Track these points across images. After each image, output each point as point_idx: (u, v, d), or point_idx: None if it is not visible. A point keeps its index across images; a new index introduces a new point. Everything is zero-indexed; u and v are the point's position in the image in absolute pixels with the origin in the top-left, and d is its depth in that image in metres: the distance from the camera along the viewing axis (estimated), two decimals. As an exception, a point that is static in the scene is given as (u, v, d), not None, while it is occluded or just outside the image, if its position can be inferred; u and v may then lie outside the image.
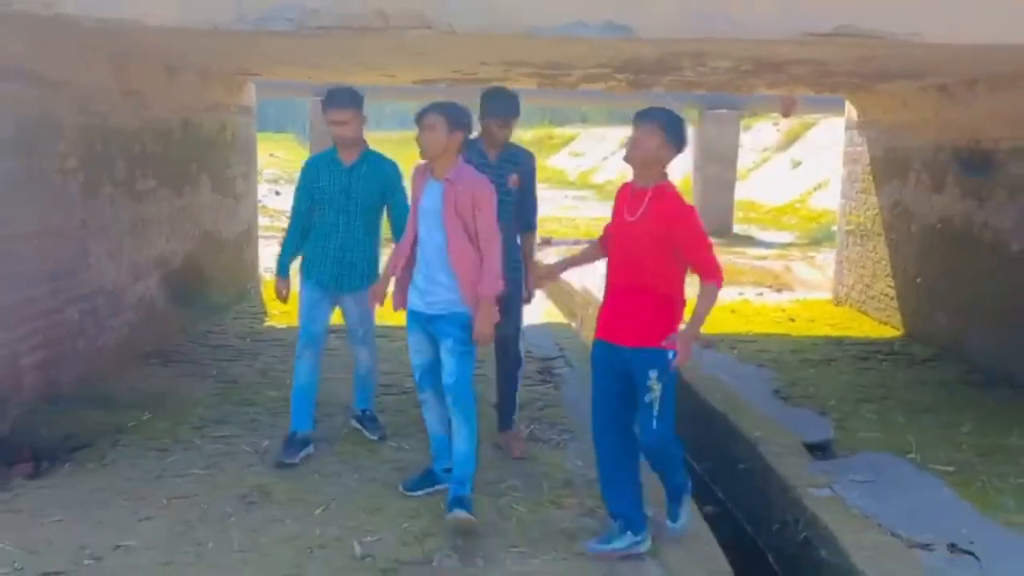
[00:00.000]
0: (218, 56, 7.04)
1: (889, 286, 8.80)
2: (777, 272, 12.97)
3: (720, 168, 17.99)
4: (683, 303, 3.73)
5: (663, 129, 3.63)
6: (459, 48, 5.73)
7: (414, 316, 4.10)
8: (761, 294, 10.98)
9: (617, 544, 3.69)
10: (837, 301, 10.12)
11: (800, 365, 7.21)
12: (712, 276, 3.65)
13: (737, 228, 18.78)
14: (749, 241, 17.19)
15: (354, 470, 4.63)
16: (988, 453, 5.12)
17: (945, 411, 5.95)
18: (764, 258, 14.71)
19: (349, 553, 3.71)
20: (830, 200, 20.30)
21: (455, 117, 3.92)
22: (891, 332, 8.53)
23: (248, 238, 9.79)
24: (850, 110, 9.86)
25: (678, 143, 3.67)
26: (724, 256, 14.47)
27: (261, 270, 10.22)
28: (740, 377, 6.81)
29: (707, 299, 3.64)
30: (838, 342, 8.13)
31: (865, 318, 9.21)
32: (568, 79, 8.08)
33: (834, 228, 16.77)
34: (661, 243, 3.59)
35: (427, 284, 3.99)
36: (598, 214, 19.42)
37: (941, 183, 7.86)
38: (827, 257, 14.20)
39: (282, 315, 8.12)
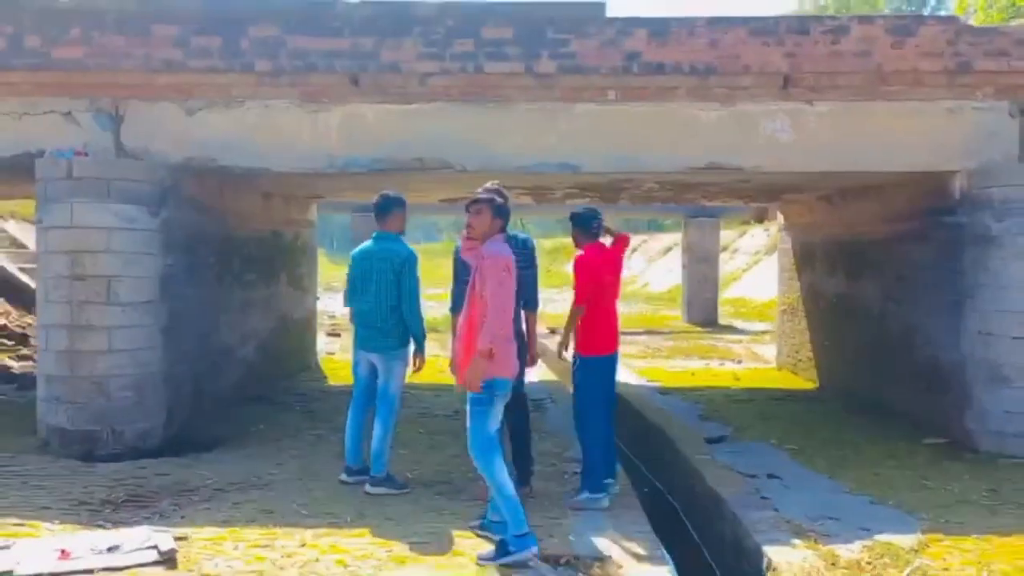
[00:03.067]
0: (300, 186, 9.94)
1: (809, 350, 11.34)
2: (742, 351, 15.48)
3: (705, 267, 20.74)
4: None
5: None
6: (469, 179, 8.55)
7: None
8: (722, 364, 13.50)
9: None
10: (779, 367, 12.62)
11: (725, 402, 9.72)
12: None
13: (725, 320, 21.37)
14: (730, 329, 19.75)
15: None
16: (825, 442, 7.59)
17: (814, 425, 8.42)
18: (739, 341, 17.24)
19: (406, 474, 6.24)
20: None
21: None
22: (810, 385, 11.01)
23: (309, 322, 12.54)
24: (780, 216, 12.62)
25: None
26: (703, 340, 17.28)
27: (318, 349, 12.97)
28: (677, 408, 9.33)
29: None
30: (765, 391, 10.63)
31: (795, 377, 11.71)
32: (554, 196, 10.93)
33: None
34: None
35: None
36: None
37: (833, 268, 10.50)
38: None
39: (336, 379, 10.77)
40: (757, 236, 30.88)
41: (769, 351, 15.93)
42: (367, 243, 6.19)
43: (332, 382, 10.98)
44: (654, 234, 40.18)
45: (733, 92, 7.45)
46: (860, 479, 6.29)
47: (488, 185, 5.81)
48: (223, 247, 8.86)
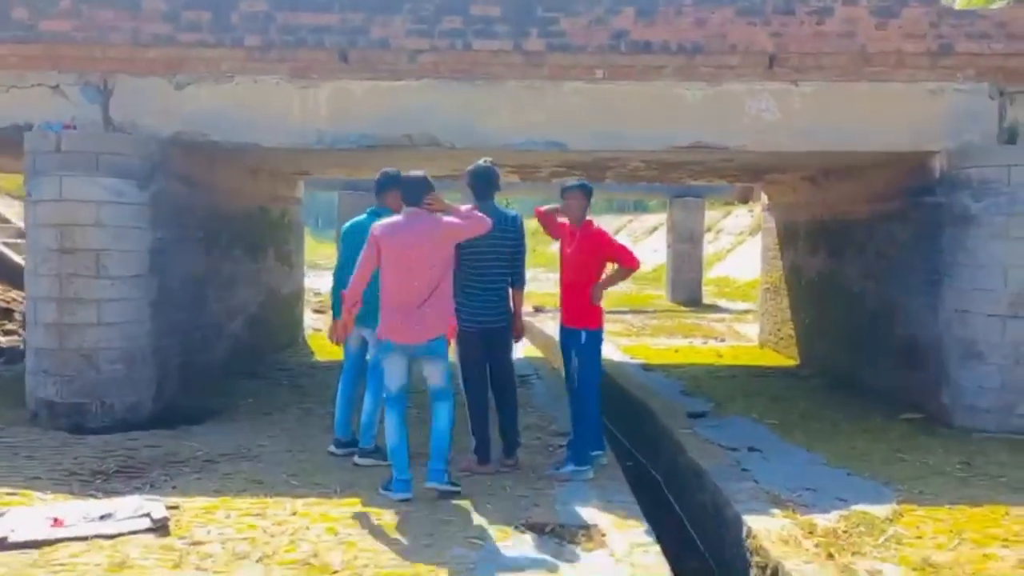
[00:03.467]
0: (288, 162, 9.96)
1: (790, 329, 11.50)
2: (725, 329, 15.65)
3: (689, 247, 20.88)
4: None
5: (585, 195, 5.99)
6: (457, 157, 8.60)
7: None
8: (706, 342, 13.65)
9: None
10: (761, 344, 12.79)
11: (708, 379, 9.87)
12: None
13: (709, 300, 21.55)
14: (713, 309, 19.93)
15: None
16: (805, 416, 7.75)
17: (795, 400, 8.58)
18: (722, 320, 17.41)
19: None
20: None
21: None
22: (791, 362, 11.18)
23: (296, 298, 12.58)
24: (764, 196, 12.74)
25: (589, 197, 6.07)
26: (687, 319, 17.45)
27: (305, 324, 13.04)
28: (660, 384, 9.47)
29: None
30: (746, 368, 10.79)
31: (777, 355, 11.87)
32: (540, 174, 11.00)
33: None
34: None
35: None
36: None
37: (816, 247, 10.63)
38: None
39: (323, 355, 10.85)
40: (741, 217, 31.09)
41: (751, 330, 16.10)
42: (360, 217, 6.17)
43: (319, 357, 11.06)
44: (639, 215, 40.29)
45: (719, 71, 7.54)
46: (837, 452, 6.44)
47: (481, 162, 5.91)
48: (212, 222, 8.89)
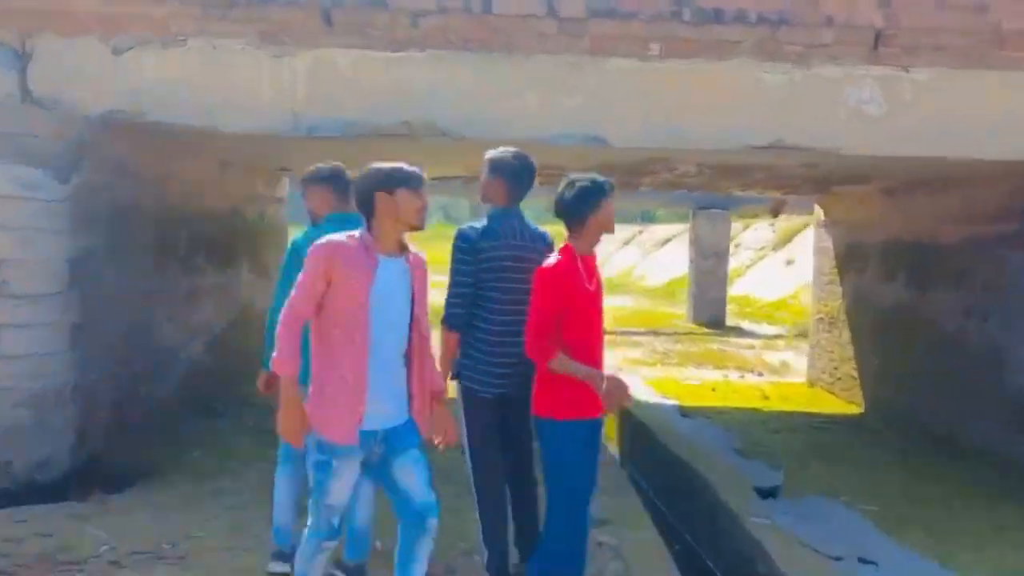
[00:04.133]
0: (262, 154, 8.27)
1: (853, 368, 9.79)
2: (759, 359, 13.93)
3: (714, 263, 19.16)
4: None
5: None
6: (468, 151, 6.89)
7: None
8: (742, 376, 11.95)
9: None
10: (811, 383, 11.08)
11: (763, 431, 8.17)
12: None
13: (730, 321, 19.83)
14: (738, 332, 18.21)
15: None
16: (909, 496, 6.05)
17: (883, 468, 6.88)
18: (752, 347, 15.70)
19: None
20: (822, 297, 21.52)
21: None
22: (854, 409, 9.47)
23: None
24: (818, 211, 11.04)
25: None
26: (713, 344, 15.69)
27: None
28: (706, 436, 7.77)
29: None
30: (803, 415, 9.09)
31: (833, 397, 10.17)
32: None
33: (819, 320, 17.86)
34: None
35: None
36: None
37: (892, 274, 8.94)
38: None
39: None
40: (761, 230, 29.40)
41: (789, 359, 14.44)
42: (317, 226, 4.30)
43: (297, 387, 9.37)
44: (647, 225, 38.61)
45: (810, 51, 5.86)
46: (977, 566, 4.74)
47: (495, 153, 4.25)
48: (165, 225, 7.21)
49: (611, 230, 3.80)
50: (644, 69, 5.90)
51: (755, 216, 26.90)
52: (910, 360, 8.44)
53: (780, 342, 16.85)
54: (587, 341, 3.71)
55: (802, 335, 18.07)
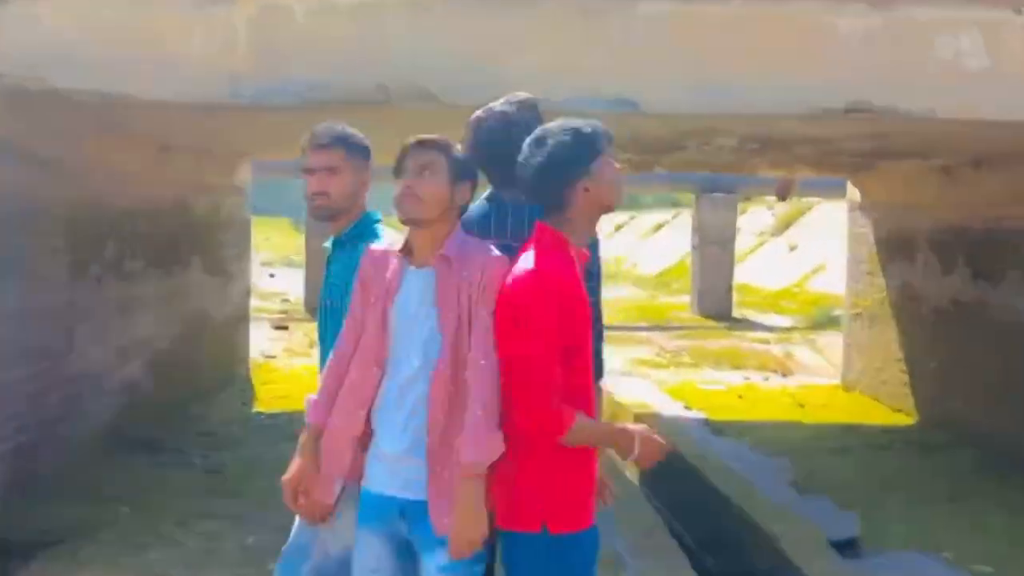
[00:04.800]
0: (212, 135, 6.92)
1: (902, 371, 8.55)
2: (779, 357, 12.70)
3: (718, 250, 17.94)
4: None
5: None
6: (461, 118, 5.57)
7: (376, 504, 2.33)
8: (767, 379, 10.71)
9: None
10: (847, 387, 9.84)
11: (815, 454, 6.91)
12: None
13: (735, 312, 18.59)
14: (748, 325, 16.99)
15: None
16: (1016, 549, 4.81)
17: (971, 502, 5.65)
18: (766, 342, 14.45)
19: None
20: (829, 284, 20.22)
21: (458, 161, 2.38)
22: (905, 419, 8.24)
23: (238, 320, 9.54)
24: (852, 191, 9.78)
25: None
26: (724, 340, 14.46)
27: (252, 353, 9.98)
28: (749, 463, 6.51)
29: None
30: (852, 429, 7.85)
31: (877, 404, 8.92)
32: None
33: (835, 312, 16.63)
34: None
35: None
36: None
37: (951, 264, 7.69)
38: (829, 341, 14.03)
39: (270, 400, 7.89)
40: (759, 215, 28.17)
41: (810, 358, 13.20)
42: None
43: (261, 408, 8.05)
44: (635, 212, 37.26)
45: (894, -12, 4.60)
46: None
47: (508, 100, 2.82)
48: (86, 224, 5.87)
49: (616, 201, 2.35)
50: (684, 14, 4.63)
51: (759, 200, 25.70)
52: (976, 364, 7.20)
53: (795, 335, 15.63)
54: (584, 378, 2.31)
55: (813, 327, 16.94)
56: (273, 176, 17.09)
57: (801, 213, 26.42)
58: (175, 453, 6.33)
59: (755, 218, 27.69)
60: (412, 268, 2.32)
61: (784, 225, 26.43)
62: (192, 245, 7.92)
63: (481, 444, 2.16)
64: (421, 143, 2.31)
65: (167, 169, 7.26)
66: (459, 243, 2.30)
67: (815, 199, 23.28)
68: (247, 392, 8.72)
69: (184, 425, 7.10)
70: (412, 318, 2.29)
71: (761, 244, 26.59)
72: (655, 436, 2.31)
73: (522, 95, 2.67)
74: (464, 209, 2.41)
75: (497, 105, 2.63)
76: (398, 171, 2.32)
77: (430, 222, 2.28)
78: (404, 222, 2.32)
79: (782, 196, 17.96)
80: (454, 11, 4.63)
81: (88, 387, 6.01)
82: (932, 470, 6.47)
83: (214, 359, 8.53)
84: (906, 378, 8.44)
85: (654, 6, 4.63)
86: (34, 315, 5.22)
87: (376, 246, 2.45)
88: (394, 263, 2.34)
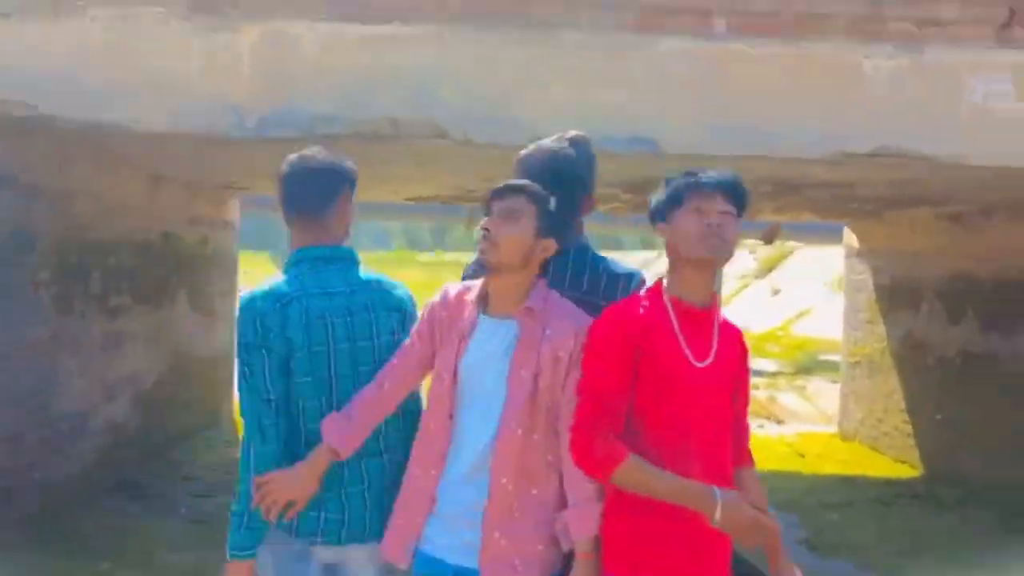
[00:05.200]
0: (204, 166, 6.68)
1: (904, 421, 8.37)
2: (763, 402, 12.50)
3: (707, 295, 17.74)
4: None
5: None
6: (473, 157, 5.35)
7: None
8: (762, 426, 10.49)
9: None
10: (844, 435, 9.65)
11: (821, 509, 6.67)
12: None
13: (721, 355, 18.36)
14: (736, 369, 16.77)
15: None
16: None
17: (995, 565, 5.42)
18: (755, 387, 14.27)
19: None
20: (813, 328, 20.18)
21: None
22: (909, 471, 8.03)
23: (222, 358, 9.21)
24: (849, 237, 9.67)
25: None
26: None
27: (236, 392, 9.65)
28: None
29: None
30: (855, 482, 7.64)
31: (878, 455, 8.73)
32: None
33: (822, 357, 16.48)
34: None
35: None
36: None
37: (958, 314, 7.54)
38: (819, 387, 13.87)
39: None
40: (741, 259, 28.16)
41: (798, 404, 13.03)
42: (302, 274, 2.38)
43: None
44: (612, 252, 37.15)
45: (922, 30, 4.49)
46: None
47: (553, 142, 2.59)
48: (71, 255, 5.59)
49: (691, 253, 2.12)
50: (707, 53, 4.48)
51: (743, 241, 25.66)
52: (988, 417, 7.02)
53: (781, 380, 15.46)
54: (679, 434, 2.08)
55: (799, 372, 16.79)
56: (259, 210, 16.79)
57: (783, 257, 26.46)
58: (159, 499, 6.00)
59: (737, 261, 27.71)
60: (487, 317, 2.19)
61: (767, 269, 26.46)
62: (179, 280, 7.63)
63: (594, 520, 2.06)
64: (513, 187, 2.18)
65: (156, 201, 7.00)
66: (543, 297, 2.17)
67: (798, 244, 23.38)
68: (231, 432, 8.38)
69: (168, 468, 6.78)
70: (482, 370, 2.15)
71: (744, 287, 26.60)
72: (749, 508, 2.04)
73: (572, 133, 2.47)
74: (547, 264, 2.21)
75: (547, 142, 2.42)
76: (486, 210, 2.19)
77: (507, 270, 2.14)
78: (482, 266, 2.21)
79: (768, 240, 17.88)
80: (468, 42, 4.45)
81: (68, 427, 5.67)
82: (948, 529, 6.24)
83: (199, 398, 8.20)
84: (910, 429, 8.26)
85: (675, 43, 4.48)
86: (18, 347, 4.92)
87: (452, 286, 2.29)
88: (469, 309, 2.21)
